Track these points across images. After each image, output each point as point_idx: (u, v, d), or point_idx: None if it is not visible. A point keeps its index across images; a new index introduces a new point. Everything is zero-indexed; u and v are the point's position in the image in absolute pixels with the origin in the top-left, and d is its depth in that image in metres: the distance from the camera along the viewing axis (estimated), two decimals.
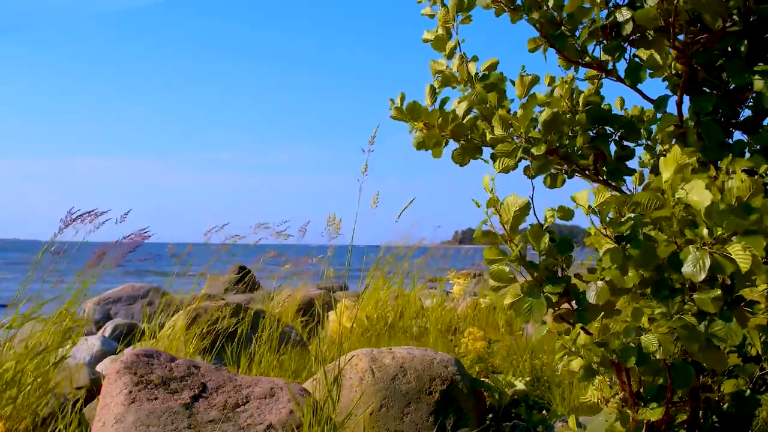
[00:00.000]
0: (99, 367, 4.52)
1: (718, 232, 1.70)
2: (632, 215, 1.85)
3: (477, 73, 2.41)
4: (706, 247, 1.71)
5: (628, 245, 1.83)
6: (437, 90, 2.44)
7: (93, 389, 3.64)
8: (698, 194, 1.74)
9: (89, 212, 3.57)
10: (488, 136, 2.31)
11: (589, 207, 1.89)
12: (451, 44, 2.42)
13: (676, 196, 1.80)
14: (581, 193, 1.96)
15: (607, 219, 1.87)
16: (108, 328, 6.54)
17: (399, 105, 2.40)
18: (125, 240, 3.66)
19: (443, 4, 2.43)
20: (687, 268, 1.71)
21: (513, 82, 2.37)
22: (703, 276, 1.68)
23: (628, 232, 1.83)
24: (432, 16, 2.47)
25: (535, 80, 2.33)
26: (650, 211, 1.84)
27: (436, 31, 2.45)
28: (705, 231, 1.72)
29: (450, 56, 2.44)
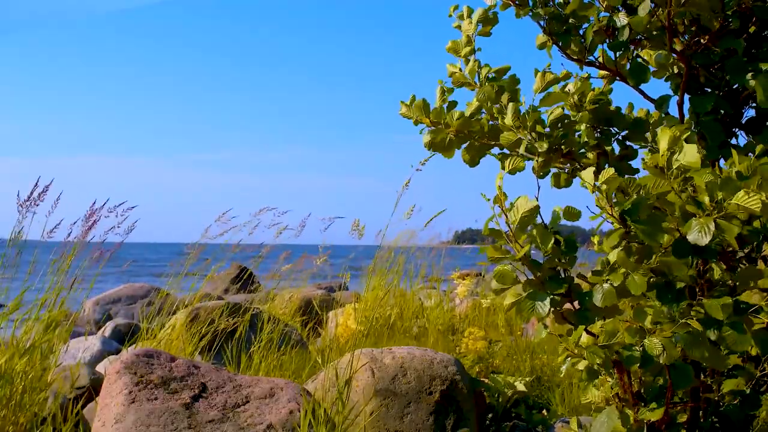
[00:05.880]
0: (99, 367, 4.51)
1: (719, 196, 1.68)
2: (636, 195, 1.83)
3: (488, 76, 2.45)
4: (710, 216, 1.70)
5: (633, 224, 1.80)
6: (446, 92, 2.49)
7: (93, 389, 3.64)
8: (690, 156, 1.75)
9: (110, 209, 3.51)
10: (500, 121, 2.33)
11: (595, 185, 1.87)
12: (466, 49, 2.46)
13: (674, 164, 1.79)
14: (586, 171, 1.94)
15: (613, 197, 1.84)
16: (108, 328, 6.53)
17: (408, 103, 2.46)
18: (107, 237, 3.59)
19: (469, 17, 2.50)
20: (692, 236, 1.68)
21: (535, 71, 2.39)
22: (707, 240, 1.66)
23: (629, 206, 1.80)
24: (460, 27, 2.54)
25: (556, 80, 2.35)
26: (655, 190, 1.82)
27: (461, 41, 2.50)
28: (707, 198, 1.70)
29: (466, 60, 2.49)
